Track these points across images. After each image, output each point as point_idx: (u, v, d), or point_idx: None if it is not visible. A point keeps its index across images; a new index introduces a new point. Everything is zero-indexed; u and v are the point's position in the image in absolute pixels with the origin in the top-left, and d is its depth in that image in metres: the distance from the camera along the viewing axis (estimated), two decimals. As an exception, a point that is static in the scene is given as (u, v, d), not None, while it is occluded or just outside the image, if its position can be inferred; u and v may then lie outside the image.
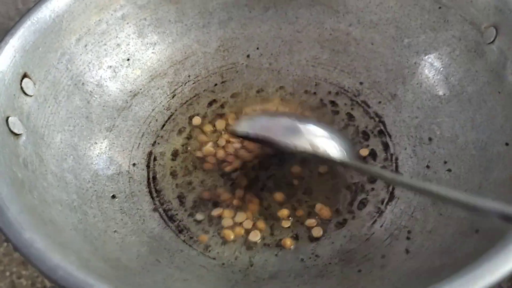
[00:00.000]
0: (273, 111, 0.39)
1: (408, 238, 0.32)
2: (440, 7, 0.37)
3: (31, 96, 0.33)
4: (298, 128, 0.33)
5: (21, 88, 0.32)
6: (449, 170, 0.34)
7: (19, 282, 0.35)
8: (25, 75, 0.32)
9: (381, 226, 0.33)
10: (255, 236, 0.33)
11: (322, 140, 0.33)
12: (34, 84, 0.33)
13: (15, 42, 0.32)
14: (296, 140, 0.32)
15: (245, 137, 0.35)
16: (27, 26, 0.33)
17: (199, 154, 0.37)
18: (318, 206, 0.34)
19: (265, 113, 0.39)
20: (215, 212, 0.34)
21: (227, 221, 0.34)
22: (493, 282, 0.22)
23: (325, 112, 0.39)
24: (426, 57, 0.38)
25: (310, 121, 0.35)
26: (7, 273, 0.36)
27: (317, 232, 0.33)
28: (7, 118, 0.30)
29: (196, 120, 0.39)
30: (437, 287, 0.22)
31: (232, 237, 0.33)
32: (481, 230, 0.28)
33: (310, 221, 0.34)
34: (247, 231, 0.34)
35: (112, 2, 0.38)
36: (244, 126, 0.35)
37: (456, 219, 0.30)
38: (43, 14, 0.34)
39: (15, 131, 0.30)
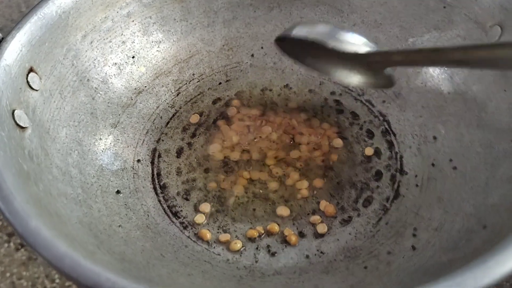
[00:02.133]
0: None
1: (414, 235, 0.31)
2: (444, 7, 0.37)
3: (37, 90, 0.33)
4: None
5: (27, 82, 0.32)
6: (455, 168, 0.34)
7: (20, 283, 0.35)
8: (31, 70, 0.32)
9: (386, 224, 0.33)
10: (236, 245, 0.33)
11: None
12: (40, 78, 0.33)
13: (21, 36, 0.32)
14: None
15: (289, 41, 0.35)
16: (33, 21, 0.33)
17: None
18: (323, 203, 0.34)
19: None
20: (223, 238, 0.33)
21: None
22: (503, 274, 0.22)
23: (330, 111, 0.39)
24: (431, 56, 0.38)
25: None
26: (8, 274, 0.35)
27: (321, 228, 0.33)
28: (13, 111, 0.30)
29: (194, 118, 0.39)
30: (449, 279, 0.21)
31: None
32: (488, 225, 0.28)
33: (315, 218, 0.34)
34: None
35: (118, -1, 0.38)
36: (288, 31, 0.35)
37: (462, 215, 0.30)
38: (49, 9, 0.34)
39: (21, 124, 0.30)
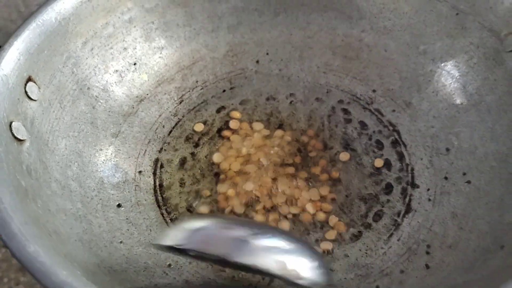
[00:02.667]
0: (226, 218, 0.31)
1: (427, 253, 0.30)
2: (457, 14, 0.36)
3: (35, 100, 0.31)
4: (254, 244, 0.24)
5: (25, 92, 0.31)
6: (469, 182, 0.33)
7: (17, 289, 0.34)
8: (29, 79, 0.31)
9: (398, 240, 0.32)
10: None
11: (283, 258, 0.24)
12: (39, 88, 0.32)
13: (19, 44, 0.31)
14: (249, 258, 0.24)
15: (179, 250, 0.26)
16: (32, 29, 0.32)
17: None
18: (333, 219, 0.33)
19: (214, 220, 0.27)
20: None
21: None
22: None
23: (337, 120, 0.38)
24: (443, 64, 0.37)
25: (273, 232, 0.26)
26: (5, 280, 0.35)
27: (326, 245, 0.32)
28: (11, 123, 0.29)
29: (199, 127, 0.38)
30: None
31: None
32: (506, 245, 0.27)
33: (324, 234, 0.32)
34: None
35: (119, 5, 0.37)
36: (178, 237, 0.25)
37: (478, 233, 0.29)
38: (48, 16, 0.33)
39: (19, 136, 0.29)
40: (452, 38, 0.36)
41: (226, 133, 0.38)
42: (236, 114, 0.39)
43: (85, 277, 0.23)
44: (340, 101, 0.39)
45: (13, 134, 0.29)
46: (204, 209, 0.34)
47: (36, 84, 0.32)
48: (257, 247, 0.24)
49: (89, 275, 0.25)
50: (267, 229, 0.26)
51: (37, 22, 0.32)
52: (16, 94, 0.30)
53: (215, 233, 0.25)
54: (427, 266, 0.29)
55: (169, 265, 0.31)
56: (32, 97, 0.31)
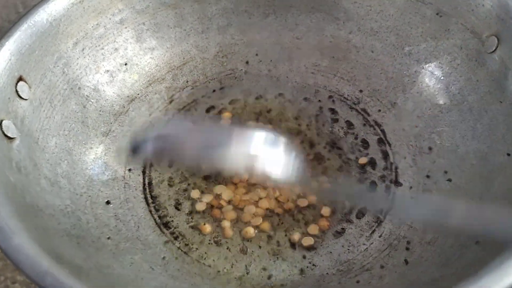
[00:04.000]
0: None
1: (407, 249, 0.31)
2: (441, 16, 0.36)
3: (26, 99, 0.32)
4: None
5: (16, 91, 0.31)
6: (450, 180, 0.33)
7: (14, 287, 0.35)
8: (20, 79, 0.32)
9: (380, 236, 0.32)
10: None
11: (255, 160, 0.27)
12: (30, 87, 0.33)
13: (11, 45, 0.32)
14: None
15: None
16: (23, 29, 0.33)
17: None
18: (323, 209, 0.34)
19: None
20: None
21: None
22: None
23: (324, 119, 0.39)
24: (427, 65, 0.38)
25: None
26: (2, 278, 0.35)
27: (308, 241, 0.33)
28: (1, 121, 0.29)
29: None
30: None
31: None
32: (481, 241, 0.27)
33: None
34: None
35: (110, 6, 0.38)
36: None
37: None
38: (40, 17, 0.34)
39: (9, 134, 0.30)
40: (436, 40, 0.37)
41: None
42: (227, 114, 0.40)
43: (70, 270, 0.24)
44: (328, 101, 0.40)
45: (3, 132, 0.29)
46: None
47: (27, 83, 0.32)
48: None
49: (75, 269, 0.26)
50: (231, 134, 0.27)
51: (29, 23, 0.33)
52: (7, 93, 0.31)
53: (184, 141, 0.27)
54: (406, 262, 0.30)
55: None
56: (23, 96, 0.32)
